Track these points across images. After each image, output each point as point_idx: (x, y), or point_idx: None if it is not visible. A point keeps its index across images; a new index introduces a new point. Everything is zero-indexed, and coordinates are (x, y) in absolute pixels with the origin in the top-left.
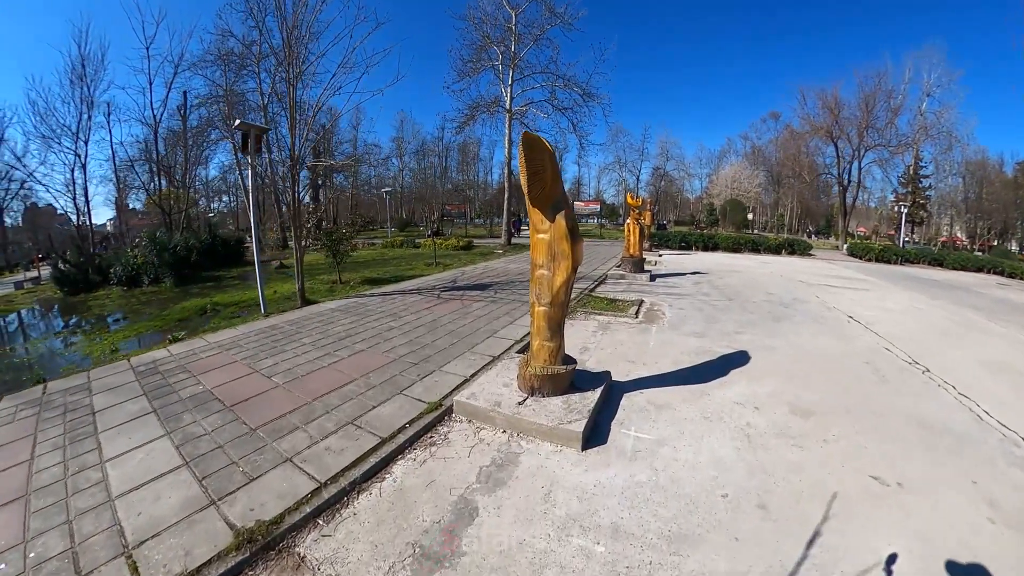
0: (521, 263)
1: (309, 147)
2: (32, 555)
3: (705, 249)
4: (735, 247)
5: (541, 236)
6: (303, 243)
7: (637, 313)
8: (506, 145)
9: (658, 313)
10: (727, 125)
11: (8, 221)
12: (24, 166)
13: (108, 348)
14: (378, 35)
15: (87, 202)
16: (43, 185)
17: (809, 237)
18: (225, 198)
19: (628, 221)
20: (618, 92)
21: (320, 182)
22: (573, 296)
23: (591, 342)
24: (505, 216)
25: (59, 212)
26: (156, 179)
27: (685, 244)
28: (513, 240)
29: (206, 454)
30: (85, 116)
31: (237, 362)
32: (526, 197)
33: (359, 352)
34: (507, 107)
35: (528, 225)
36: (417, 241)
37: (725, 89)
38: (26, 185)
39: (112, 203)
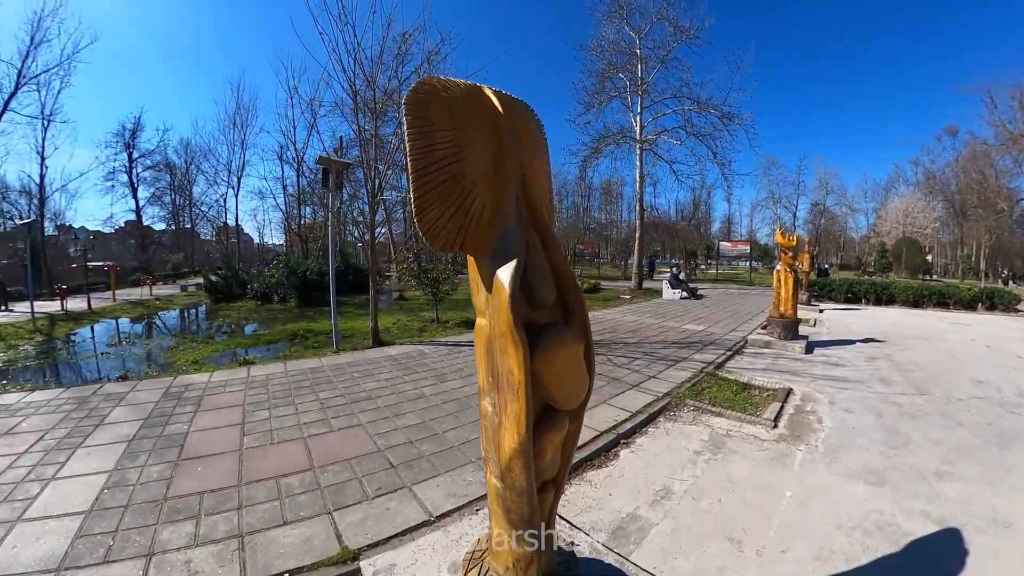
0: (640, 315)
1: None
2: None
3: (878, 302)
4: (916, 300)
5: (479, 320)
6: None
7: (777, 418)
8: (637, 178)
9: (810, 420)
10: (890, 149)
11: (204, 235)
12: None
13: (191, 359)
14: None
15: (237, 225)
16: (202, 211)
17: (1006, 283)
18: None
19: (778, 267)
20: (766, 119)
21: None
22: (688, 375)
23: (681, 476)
24: (636, 256)
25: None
26: (298, 210)
27: (852, 295)
28: (645, 283)
29: None
30: (239, 154)
31: (236, 406)
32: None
33: (354, 426)
34: (637, 136)
35: (674, 266)
36: None
37: (884, 100)
38: (201, 207)
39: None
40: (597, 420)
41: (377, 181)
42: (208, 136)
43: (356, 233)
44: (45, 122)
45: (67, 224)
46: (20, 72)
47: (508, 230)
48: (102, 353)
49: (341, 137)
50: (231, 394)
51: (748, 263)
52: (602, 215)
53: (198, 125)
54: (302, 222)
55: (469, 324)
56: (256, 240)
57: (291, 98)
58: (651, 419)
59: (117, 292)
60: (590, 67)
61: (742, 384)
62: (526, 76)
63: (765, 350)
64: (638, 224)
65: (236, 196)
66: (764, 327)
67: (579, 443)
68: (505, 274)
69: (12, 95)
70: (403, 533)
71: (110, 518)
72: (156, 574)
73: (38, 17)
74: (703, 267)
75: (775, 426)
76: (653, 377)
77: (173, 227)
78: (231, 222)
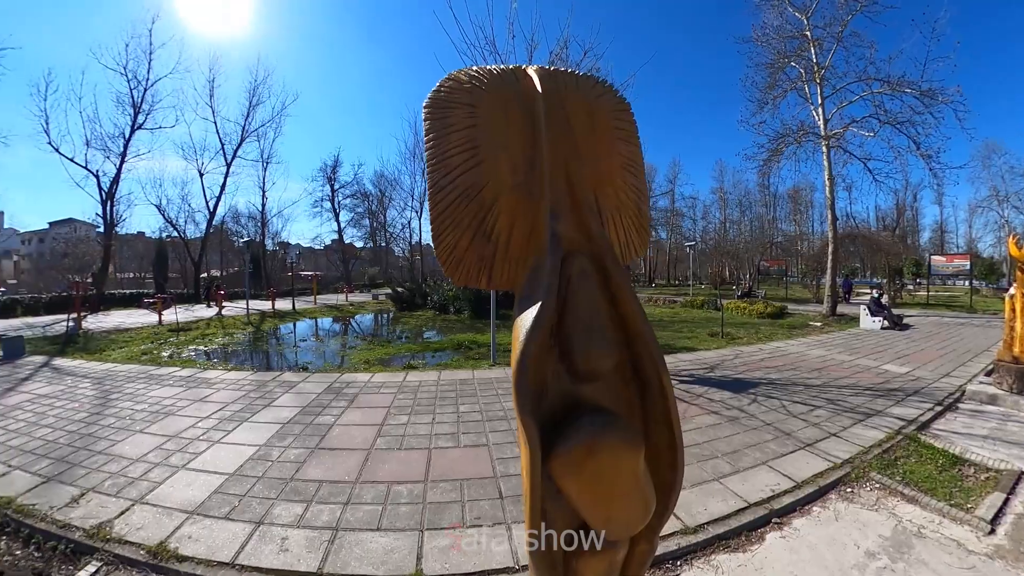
0: (830, 348)
1: None
2: None
3: None
4: None
5: None
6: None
7: (996, 518)
8: (826, 181)
9: None
10: None
11: (398, 252)
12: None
13: (363, 359)
14: None
15: (420, 244)
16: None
17: None
18: None
19: (1012, 291)
20: (980, 90)
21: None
22: (879, 436)
23: None
24: (829, 275)
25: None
26: None
27: None
28: (840, 308)
29: None
30: (421, 182)
31: (382, 408)
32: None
33: (479, 446)
34: (821, 132)
35: (875, 287)
36: (720, 303)
37: None
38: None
39: None
40: (748, 487)
41: None
42: (393, 167)
43: None
44: (264, 164)
45: (284, 241)
46: (244, 128)
47: (541, 260)
48: (294, 346)
49: None
50: (383, 395)
51: (968, 282)
52: (790, 226)
53: (383, 159)
54: None
55: None
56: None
57: None
58: (819, 495)
59: (318, 297)
60: (756, 60)
61: (951, 457)
62: (689, 76)
63: (989, 407)
64: (830, 236)
65: (419, 218)
66: (989, 374)
67: (717, 514)
68: (520, 328)
69: (239, 145)
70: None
71: (243, 484)
72: (257, 540)
73: (254, 86)
74: (911, 287)
75: (992, 531)
76: (833, 435)
77: (371, 245)
78: (421, 241)
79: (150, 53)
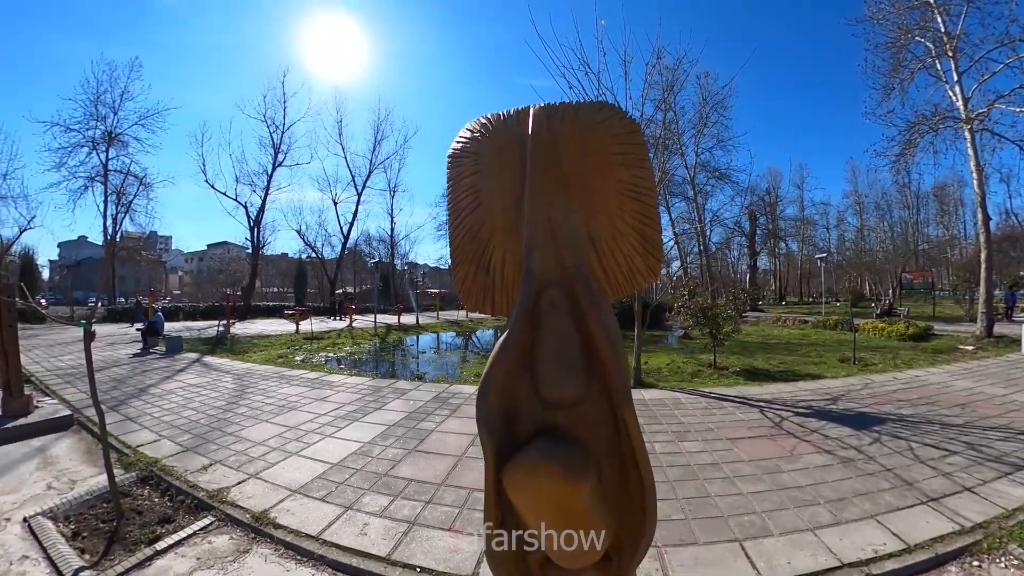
0: (979, 379)
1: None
2: None
3: None
4: None
5: None
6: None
7: None
8: (972, 173)
9: None
10: None
11: None
12: None
13: (474, 372)
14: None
15: None
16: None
17: None
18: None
19: None
20: None
21: (758, 249)
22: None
23: None
24: (983, 288)
25: None
26: None
27: None
28: (999, 327)
29: None
30: None
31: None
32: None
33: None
34: (961, 114)
35: None
36: (856, 323)
37: None
38: None
39: None
40: (846, 543)
41: None
42: None
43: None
44: (391, 192)
45: (412, 262)
46: (371, 161)
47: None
48: (413, 357)
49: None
50: (471, 408)
51: None
52: (938, 230)
53: None
54: None
55: (751, 373)
56: None
57: None
58: (934, 564)
59: (441, 312)
60: (874, 40)
61: None
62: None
63: None
64: (982, 239)
65: None
66: None
67: (802, 570)
68: (491, 353)
69: (367, 177)
70: None
71: (342, 474)
72: (342, 522)
73: (377, 123)
74: None
75: None
76: (968, 490)
77: None
78: None
79: (284, 102)
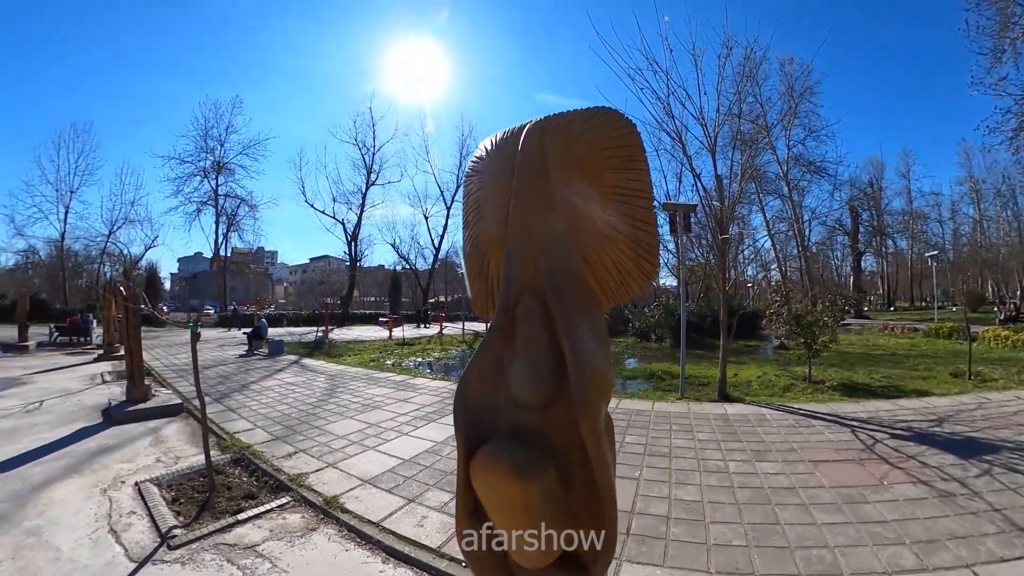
0: None
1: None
2: None
3: None
4: None
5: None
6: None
7: None
8: None
9: None
10: None
11: None
12: None
13: None
14: None
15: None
16: None
17: None
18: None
19: None
20: None
21: (862, 248)
22: None
23: None
24: None
25: None
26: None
27: None
28: None
29: None
30: None
31: None
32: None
33: (620, 483)
34: None
35: None
36: (974, 331)
37: None
38: None
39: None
40: None
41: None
42: None
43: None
44: None
45: None
46: (458, 176)
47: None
48: None
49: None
50: None
51: None
52: None
53: None
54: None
55: (849, 388)
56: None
57: (656, 151)
58: None
59: None
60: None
61: None
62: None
63: None
64: None
65: None
66: None
67: None
68: (472, 357)
69: (456, 191)
70: None
71: (411, 469)
72: (402, 513)
73: (461, 139)
74: None
75: None
76: None
77: None
78: None
79: (373, 125)
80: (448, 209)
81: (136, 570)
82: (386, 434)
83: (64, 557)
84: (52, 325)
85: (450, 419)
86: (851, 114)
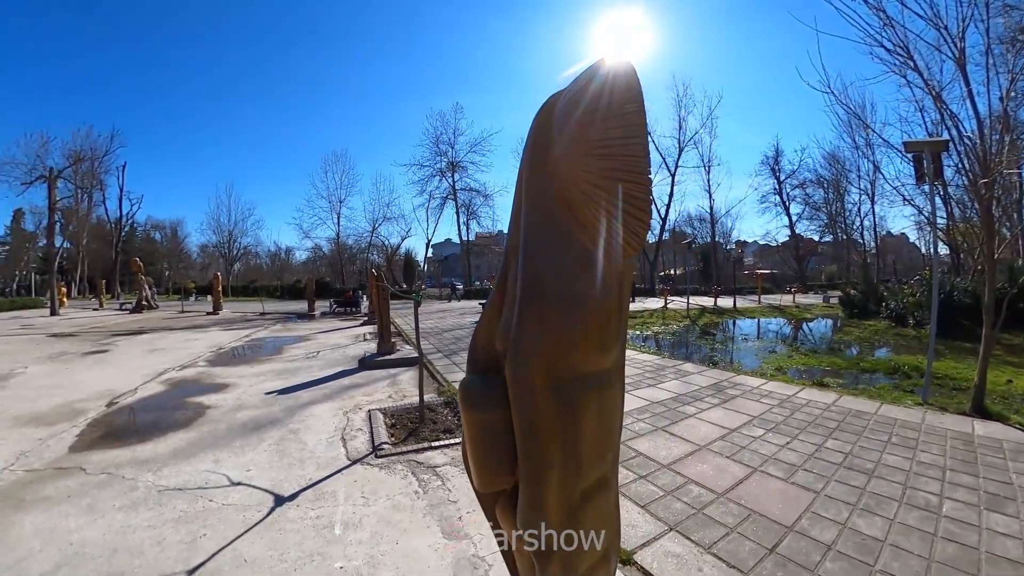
0: None
1: None
2: None
3: None
4: None
5: None
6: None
7: None
8: None
9: None
10: None
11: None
12: None
13: (776, 365)
14: None
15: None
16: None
17: None
18: None
19: None
20: None
21: None
22: None
23: None
24: None
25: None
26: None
27: None
28: None
29: None
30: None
31: (718, 424)
32: None
33: (735, 461)
34: None
35: None
36: None
37: None
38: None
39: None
40: None
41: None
42: (830, 145)
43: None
44: (706, 168)
45: (743, 240)
46: (679, 140)
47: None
48: (718, 342)
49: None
50: (757, 404)
51: None
52: None
53: (823, 138)
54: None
55: None
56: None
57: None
58: None
59: (764, 296)
60: None
61: None
62: None
63: None
64: None
65: (872, 204)
66: None
67: None
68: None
69: (678, 157)
70: None
71: None
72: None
73: (677, 100)
74: None
75: None
76: None
77: (830, 238)
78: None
79: None
80: (672, 176)
81: (349, 465)
82: None
83: (307, 449)
84: (332, 300)
85: (643, 392)
86: None
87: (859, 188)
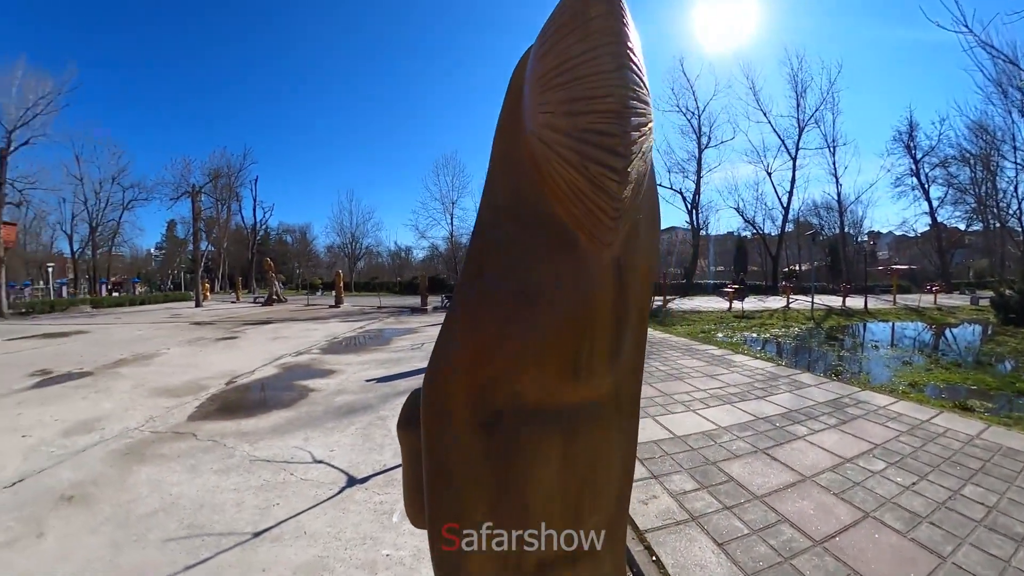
0: None
1: None
2: None
3: None
4: None
5: None
6: None
7: None
8: None
9: None
10: None
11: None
12: None
13: (910, 380)
14: None
15: None
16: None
17: None
18: None
19: None
20: None
21: None
22: None
23: None
24: None
25: None
26: None
27: None
28: None
29: None
30: None
31: (833, 453)
32: None
33: (846, 502)
34: None
35: None
36: None
37: None
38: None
39: None
40: None
41: None
42: (978, 112)
43: None
44: (831, 149)
45: (876, 231)
46: (798, 119)
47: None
48: (843, 349)
49: None
50: (883, 429)
51: None
52: None
53: (967, 103)
54: None
55: None
56: None
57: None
58: None
59: (899, 296)
60: None
61: None
62: None
63: None
64: None
65: None
66: None
67: None
68: None
69: (799, 137)
70: None
71: (672, 447)
72: (638, 489)
73: (792, 75)
74: None
75: None
76: None
77: (980, 227)
78: None
79: (691, 87)
80: (793, 160)
81: None
82: (674, 407)
83: (390, 436)
84: (443, 295)
85: (748, 405)
86: None
87: (1015, 163)
